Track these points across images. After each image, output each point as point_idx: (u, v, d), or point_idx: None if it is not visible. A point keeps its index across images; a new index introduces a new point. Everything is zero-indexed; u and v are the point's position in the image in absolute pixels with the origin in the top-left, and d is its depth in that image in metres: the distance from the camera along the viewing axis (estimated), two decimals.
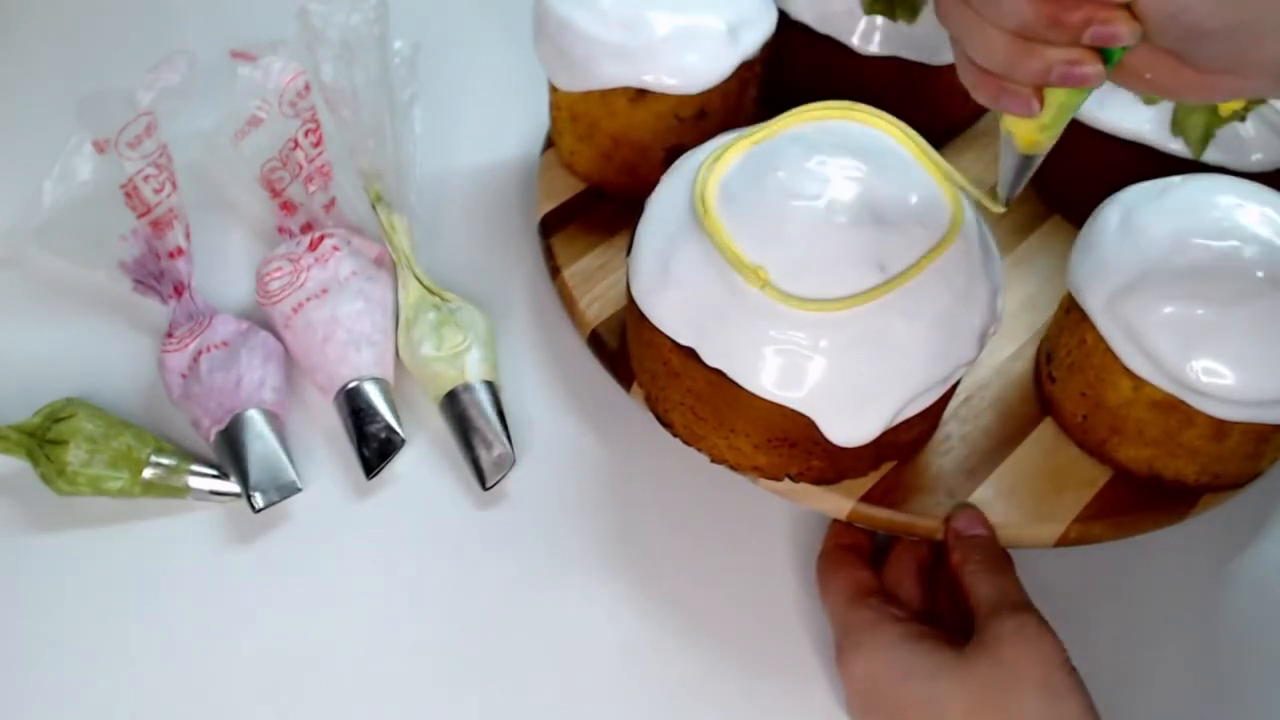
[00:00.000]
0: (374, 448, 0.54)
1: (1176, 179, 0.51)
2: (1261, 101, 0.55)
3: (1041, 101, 0.37)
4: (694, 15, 0.56)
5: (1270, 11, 0.34)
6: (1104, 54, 0.35)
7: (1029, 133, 0.40)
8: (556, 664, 0.50)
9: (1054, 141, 0.40)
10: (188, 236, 0.59)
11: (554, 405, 0.58)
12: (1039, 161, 0.42)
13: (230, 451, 0.52)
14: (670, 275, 0.47)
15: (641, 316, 0.48)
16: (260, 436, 0.53)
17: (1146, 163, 0.56)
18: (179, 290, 0.58)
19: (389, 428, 0.54)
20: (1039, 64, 0.35)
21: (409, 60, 0.67)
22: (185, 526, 0.53)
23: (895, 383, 0.45)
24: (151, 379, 0.57)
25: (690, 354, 0.47)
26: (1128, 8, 0.34)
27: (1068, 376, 0.52)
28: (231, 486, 0.53)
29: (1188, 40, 0.35)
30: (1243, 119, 0.55)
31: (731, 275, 0.45)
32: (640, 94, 0.57)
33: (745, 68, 0.57)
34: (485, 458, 0.54)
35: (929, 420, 0.51)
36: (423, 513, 0.54)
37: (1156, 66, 0.37)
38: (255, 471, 0.52)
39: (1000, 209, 0.44)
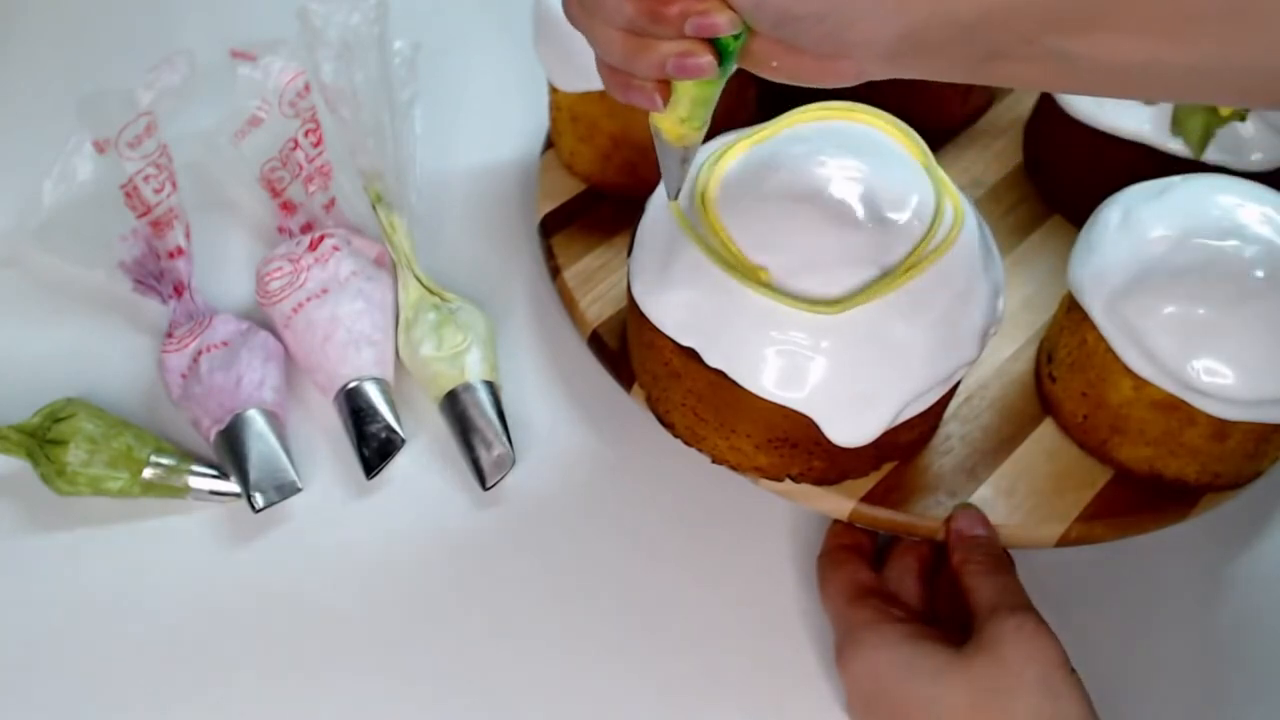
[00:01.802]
0: (374, 448, 0.54)
1: (1176, 179, 0.51)
2: None
3: (665, 95, 0.38)
4: None
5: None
6: (720, 45, 0.36)
7: (672, 126, 0.40)
8: (556, 663, 0.50)
9: (702, 133, 0.41)
10: (188, 236, 0.59)
11: (554, 405, 0.58)
12: (695, 155, 0.42)
13: (230, 451, 0.52)
14: (671, 276, 0.47)
15: (642, 317, 0.48)
16: (260, 436, 0.53)
17: (1146, 163, 0.56)
18: (179, 290, 0.58)
19: (389, 428, 0.54)
20: (654, 58, 0.36)
21: (409, 60, 0.67)
22: (185, 526, 0.53)
23: (896, 383, 0.45)
24: (151, 379, 0.57)
25: (691, 355, 0.47)
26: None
27: (1068, 376, 0.52)
28: (231, 486, 0.53)
29: (782, 27, 0.36)
30: (1243, 119, 0.55)
31: (732, 276, 0.45)
32: None
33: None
34: (485, 458, 0.54)
35: (930, 420, 0.51)
36: (423, 513, 0.54)
37: (777, 54, 0.37)
38: (255, 471, 0.52)
39: (672, 204, 0.45)
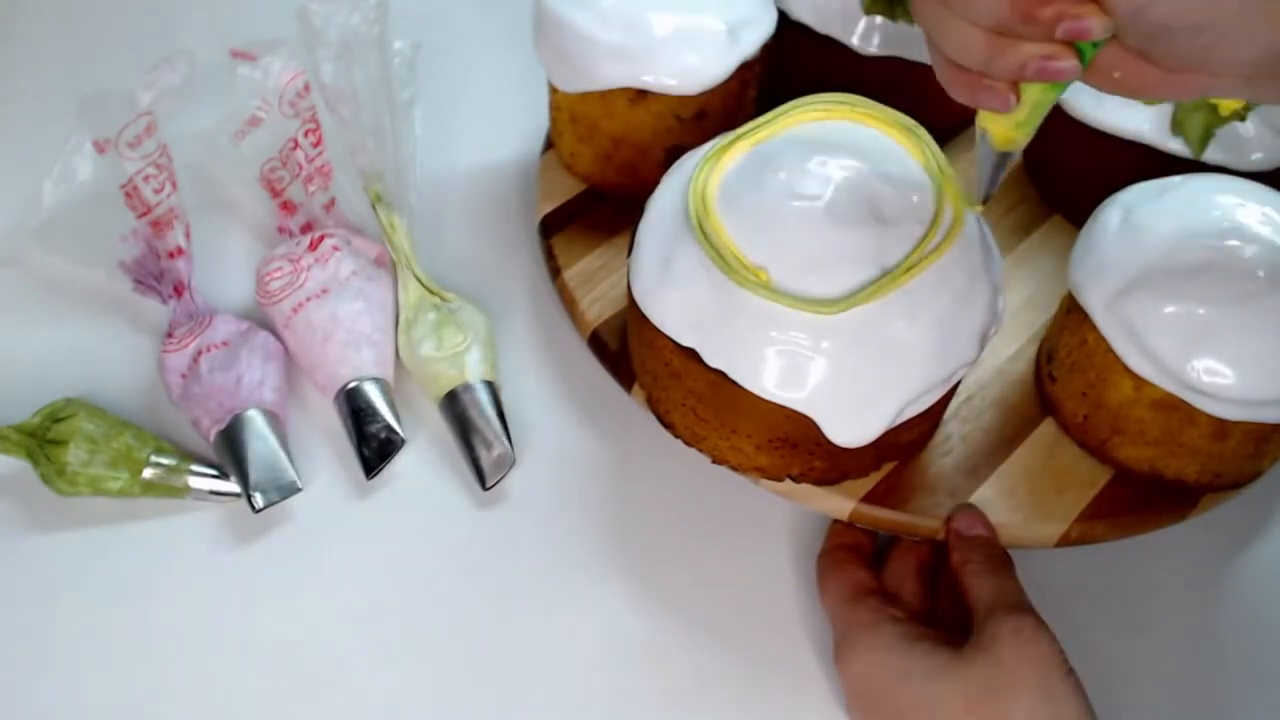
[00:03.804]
0: (374, 448, 0.54)
1: (1176, 179, 0.51)
2: None
3: (1018, 96, 0.37)
4: (694, 15, 0.56)
5: (1234, 12, 0.34)
6: (1078, 50, 0.36)
7: (1005, 130, 0.40)
8: (556, 663, 0.50)
9: (1029, 138, 0.41)
10: (188, 236, 0.59)
11: (554, 405, 0.58)
12: (1014, 159, 0.42)
13: (230, 451, 0.52)
14: (671, 276, 0.47)
15: (642, 317, 0.48)
16: (260, 436, 0.53)
17: (1146, 163, 0.56)
18: (179, 290, 0.58)
19: (389, 428, 0.54)
20: (1015, 59, 0.36)
21: (409, 60, 0.67)
22: (185, 526, 0.53)
23: (896, 383, 0.45)
24: (151, 379, 0.57)
25: (691, 355, 0.47)
26: (1097, 2, 0.35)
27: (1068, 376, 0.52)
28: (231, 486, 0.53)
29: (1154, 38, 0.35)
30: (1243, 119, 0.55)
31: (732, 276, 0.45)
32: (640, 94, 0.57)
33: (745, 68, 0.57)
34: (485, 458, 0.54)
35: (930, 421, 0.51)
36: (423, 513, 0.54)
37: (1125, 65, 0.37)
38: (255, 471, 0.52)
39: (978, 208, 0.45)
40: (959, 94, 0.38)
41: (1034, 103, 0.38)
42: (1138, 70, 0.37)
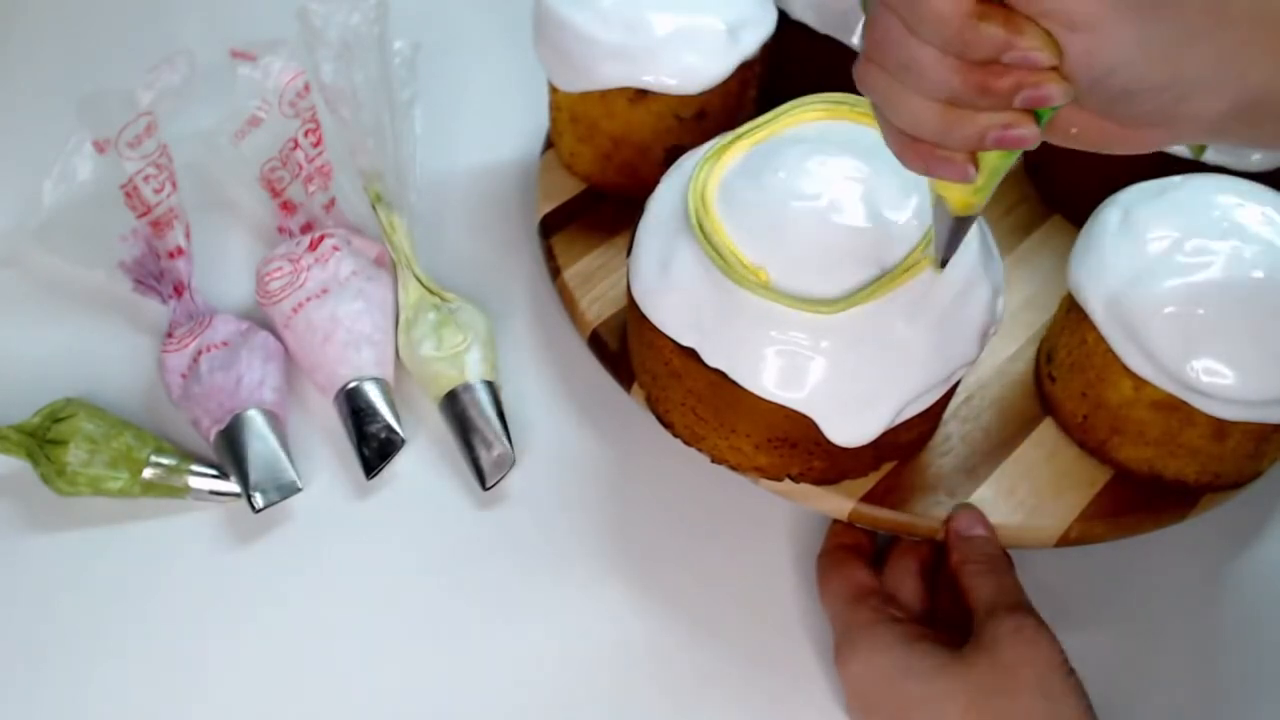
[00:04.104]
0: (374, 448, 0.54)
1: (1176, 179, 0.51)
2: None
3: (977, 166, 0.36)
4: (694, 15, 0.56)
5: (1196, 71, 0.33)
6: (1038, 113, 0.34)
7: (963, 196, 0.39)
8: (556, 663, 0.50)
9: (986, 201, 0.39)
10: (188, 236, 0.59)
11: (554, 405, 0.58)
12: (974, 222, 0.41)
13: (230, 451, 0.52)
14: (671, 276, 0.47)
15: (642, 317, 0.48)
16: (260, 436, 0.53)
17: (1146, 163, 0.56)
18: (179, 290, 0.58)
19: (389, 428, 0.54)
20: (973, 130, 0.34)
21: (409, 60, 0.67)
22: (185, 526, 0.53)
23: (896, 383, 0.45)
24: (151, 379, 0.57)
25: (691, 354, 0.47)
26: (1055, 68, 0.33)
27: (1068, 376, 0.52)
28: (231, 486, 0.53)
29: (1115, 102, 0.34)
30: None
31: (732, 276, 0.45)
32: (640, 94, 0.57)
33: (745, 68, 0.57)
34: (485, 458, 0.54)
35: (929, 420, 0.51)
36: (423, 513, 0.54)
37: (1082, 121, 0.36)
38: (255, 471, 0.52)
39: (939, 272, 0.44)
40: (914, 165, 0.37)
41: (991, 168, 0.37)
42: (1096, 126, 0.36)
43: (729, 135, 0.49)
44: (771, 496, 0.51)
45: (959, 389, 0.52)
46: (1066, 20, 0.32)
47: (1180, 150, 0.56)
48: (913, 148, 0.36)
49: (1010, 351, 0.56)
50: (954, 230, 0.41)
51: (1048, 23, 0.32)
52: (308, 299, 0.57)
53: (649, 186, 0.51)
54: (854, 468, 0.50)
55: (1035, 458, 0.52)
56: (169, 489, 0.53)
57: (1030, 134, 0.34)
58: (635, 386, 0.54)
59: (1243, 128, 0.35)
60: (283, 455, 0.53)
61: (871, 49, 0.35)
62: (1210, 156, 0.55)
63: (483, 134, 0.70)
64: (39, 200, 0.59)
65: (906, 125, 0.35)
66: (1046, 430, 0.53)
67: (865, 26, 0.35)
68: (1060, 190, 0.63)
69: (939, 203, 0.40)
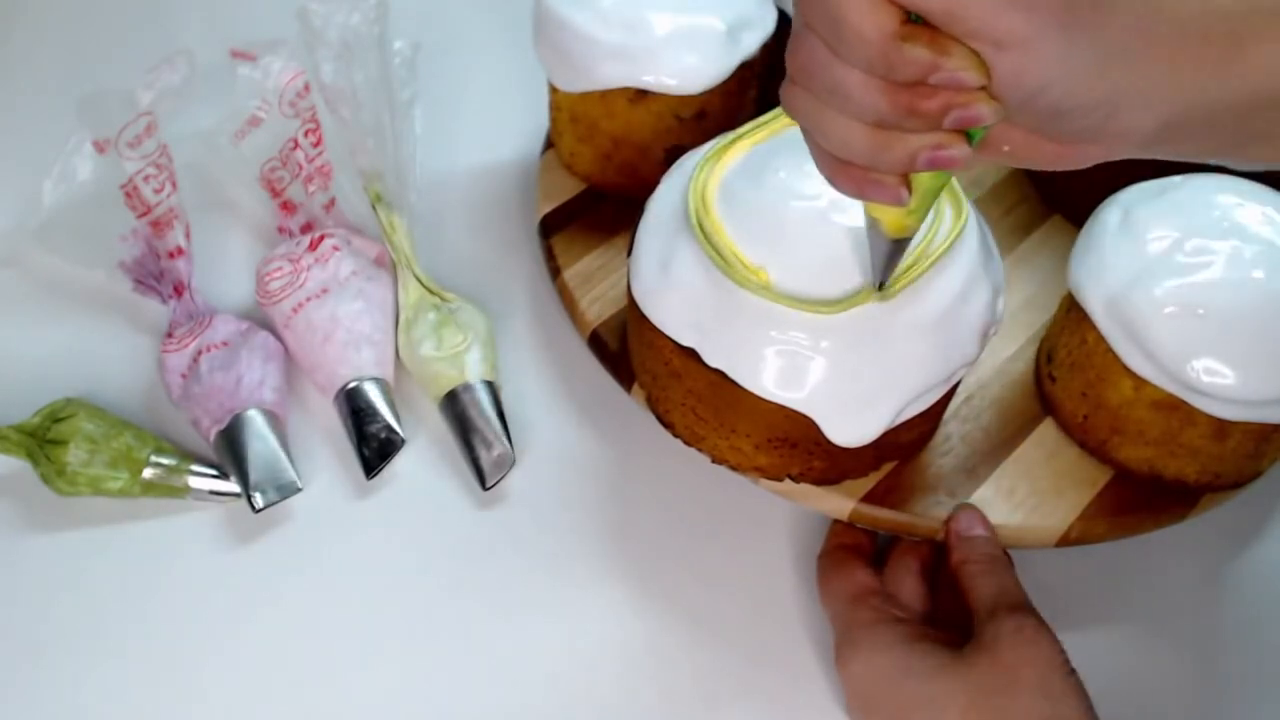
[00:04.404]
0: (374, 448, 0.54)
1: (1176, 179, 0.51)
2: None
3: (910, 188, 0.35)
4: (694, 16, 0.56)
5: (1126, 88, 0.33)
6: (970, 133, 0.34)
7: (897, 219, 0.38)
8: (556, 663, 0.50)
9: (922, 223, 0.39)
10: (188, 236, 0.59)
11: (554, 405, 0.58)
12: (909, 243, 0.40)
13: (230, 451, 0.52)
14: (671, 276, 0.47)
15: (642, 317, 0.48)
16: (260, 436, 0.53)
17: (1146, 163, 0.56)
18: (179, 290, 0.58)
19: (389, 428, 0.54)
20: (903, 152, 0.33)
21: (409, 60, 0.67)
22: (185, 526, 0.53)
23: (896, 383, 0.45)
24: (151, 379, 0.57)
25: (691, 354, 0.47)
26: (984, 88, 0.33)
27: (1068, 376, 0.52)
28: (231, 486, 0.53)
29: (1046, 120, 0.34)
30: None
31: (732, 276, 0.45)
32: (640, 94, 0.57)
33: (745, 68, 0.57)
34: (485, 458, 0.54)
35: (930, 420, 0.51)
36: (423, 513, 0.54)
37: (1016, 140, 0.35)
38: (255, 471, 0.52)
39: (875, 295, 0.43)
40: (846, 189, 0.36)
41: (925, 189, 0.36)
42: (1030, 144, 0.35)
43: (729, 135, 0.49)
44: (771, 497, 0.51)
45: (959, 389, 0.52)
46: (993, 40, 0.31)
47: None
48: (844, 171, 0.35)
49: (1010, 351, 0.56)
50: (890, 253, 0.40)
51: (975, 43, 0.31)
52: (308, 299, 0.57)
53: (649, 186, 0.51)
54: (854, 468, 0.50)
55: (1035, 458, 0.52)
56: (169, 489, 0.53)
57: (962, 154, 0.33)
58: (635, 386, 0.54)
59: (1177, 143, 0.35)
60: (283, 455, 0.53)
61: (796, 72, 0.34)
62: None
63: (483, 134, 0.70)
64: (39, 200, 0.59)
65: (836, 149, 0.35)
66: (1047, 430, 0.53)
67: (788, 48, 0.34)
68: (1060, 190, 0.63)
69: (873, 225, 0.40)
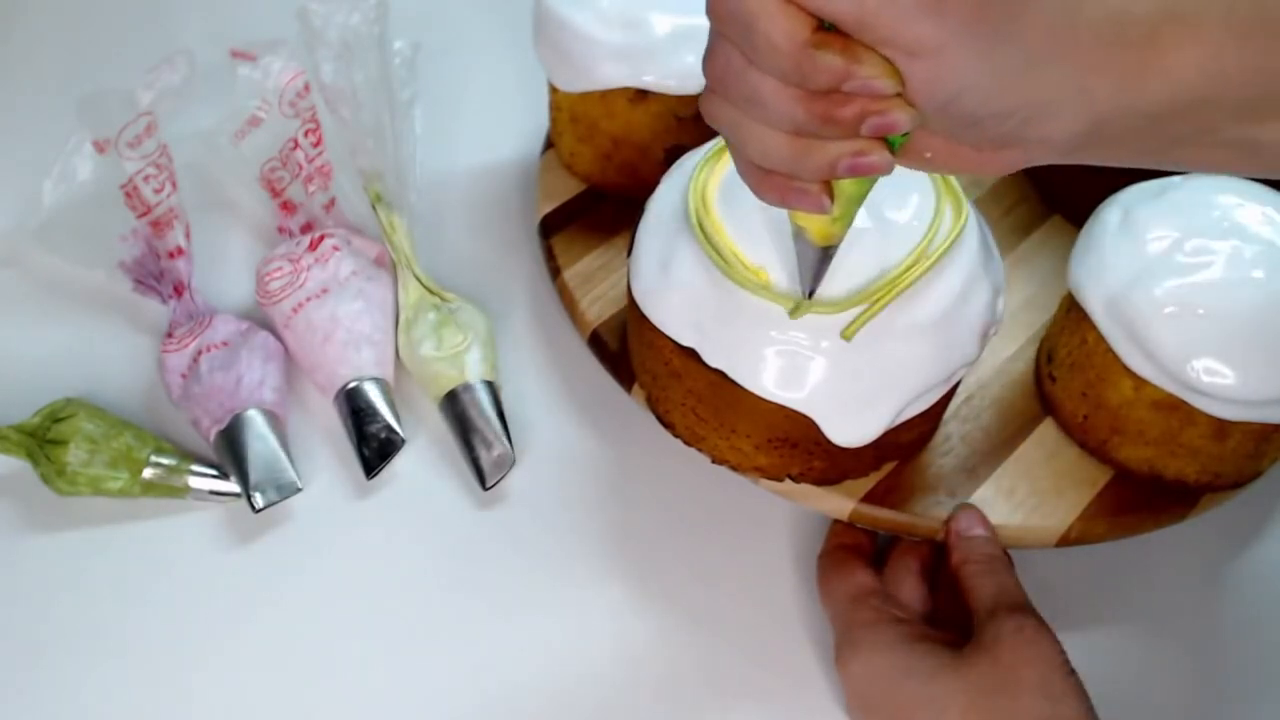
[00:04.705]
0: (374, 448, 0.54)
1: (1176, 178, 0.51)
2: None
3: (832, 196, 0.35)
4: (694, 15, 0.55)
5: (1042, 94, 0.32)
6: (890, 140, 0.34)
7: (823, 227, 0.38)
8: (556, 663, 0.50)
9: (847, 230, 0.39)
10: (188, 236, 0.59)
11: (554, 405, 0.58)
12: (837, 250, 0.40)
13: (230, 451, 0.52)
14: (671, 276, 0.47)
15: (642, 317, 0.48)
16: (260, 436, 0.53)
17: None
18: (179, 290, 0.58)
19: (389, 428, 0.54)
20: (823, 160, 0.33)
21: (409, 60, 0.67)
22: (185, 526, 0.53)
23: (896, 383, 0.45)
24: (151, 379, 0.57)
25: (691, 354, 0.47)
26: (900, 94, 0.32)
27: (1068, 376, 0.52)
28: (231, 486, 0.53)
29: (963, 127, 0.33)
30: None
31: (732, 276, 0.45)
32: (640, 94, 0.57)
33: None
34: (485, 458, 0.54)
35: (930, 420, 0.51)
36: (423, 513, 0.54)
37: (936, 147, 0.35)
38: (255, 471, 0.52)
39: (805, 303, 0.43)
40: (769, 199, 0.36)
41: (848, 196, 0.36)
42: (950, 151, 0.35)
43: None
44: (772, 497, 0.51)
45: (959, 389, 0.52)
46: (905, 48, 0.31)
47: None
48: (766, 181, 0.35)
49: (1010, 351, 0.56)
50: (818, 261, 0.40)
51: (887, 50, 0.31)
52: (308, 299, 0.57)
53: (649, 186, 0.51)
54: (854, 468, 0.50)
55: (1035, 458, 0.52)
56: (169, 489, 0.53)
57: (882, 161, 0.33)
58: (635, 387, 0.54)
59: (1098, 149, 0.35)
60: (283, 455, 0.53)
61: (713, 81, 0.34)
62: None
63: (483, 134, 0.70)
64: (39, 200, 0.59)
65: (756, 158, 0.34)
66: (1047, 430, 0.53)
67: (705, 56, 0.34)
68: (1060, 190, 0.63)
69: (800, 234, 0.39)
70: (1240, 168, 0.36)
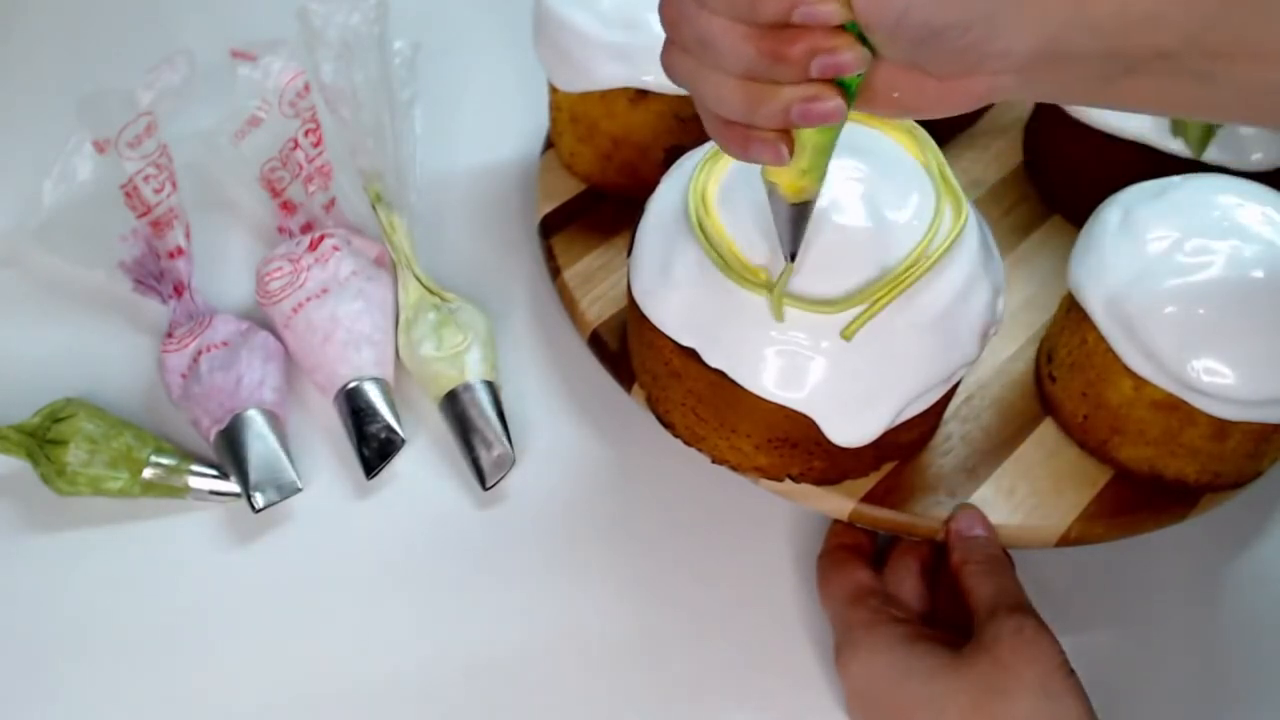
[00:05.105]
0: (374, 448, 0.54)
1: (1176, 179, 0.51)
2: None
3: (791, 146, 0.35)
4: None
5: (992, 5, 0.32)
6: (843, 84, 0.34)
7: (792, 180, 0.38)
8: (556, 663, 0.50)
9: (821, 183, 0.38)
10: (188, 236, 0.59)
11: (554, 405, 0.58)
12: (813, 207, 0.40)
13: (230, 451, 0.52)
14: (671, 276, 0.47)
15: (642, 317, 0.48)
16: (260, 436, 0.53)
17: (1146, 163, 0.56)
18: (179, 290, 0.58)
19: (389, 428, 0.54)
20: (776, 106, 0.34)
21: (409, 60, 0.67)
22: (185, 526, 0.53)
23: (896, 383, 0.45)
24: (151, 379, 0.57)
25: (691, 355, 0.47)
26: (851, 32, 0.33)
27: (1068, 376, 0.52)
28: (231, 486, 0.53)
29: (921, 44, 0.33)
30: None
31: (732, 276, 0.45)
32: (640, 94, 0.57)
33: None
34: (485, 458, 0.54)
35: (930, 420, 0.51)
36: (423, 513, 0.54)
37: (901, 83, 0.35)
38: (255, 471, 0.52)
39: (790, 267, 0.43)
40: (733, 150, 0.36)
41: (813, 146, 0.36)
42: (915, 86, 0.35)
43: None
44: (772, 497, 0.51)
45: (959, 389, 0.52)
46: None
47: (1180, 150, 0.56)
48: (727, 131, 0.35)
49: (1010, 351, 0.56)
50: (794, 219, 0.40)
51: None
52: (308, 299, 0.57)
53: (649, 187, 0.51)
54: (855, 468, 0.50)
55: (1035, 458, 0.52)
56: (169, 489, 0.53)
57: (834, 107, 0.33)
58: (635, 387, 0.54)
59: (1054, 71, 0.35)
60: (283, 455, 0.53)
61: (669, 30, 0.35)
62: (1210, 156, 0.55)
63: (483, 134, 0.70)
64: (39, 200, 0.59)
65: (714, 106, 0.35)
66: (1047, 430, 0.53)
67: (660, 5, 0.35)
68: (1060, 190, 0.63)
69: (773, 190, 0.39)
70: (1195, 105, 0.36)
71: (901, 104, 0.36)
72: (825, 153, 0.37)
